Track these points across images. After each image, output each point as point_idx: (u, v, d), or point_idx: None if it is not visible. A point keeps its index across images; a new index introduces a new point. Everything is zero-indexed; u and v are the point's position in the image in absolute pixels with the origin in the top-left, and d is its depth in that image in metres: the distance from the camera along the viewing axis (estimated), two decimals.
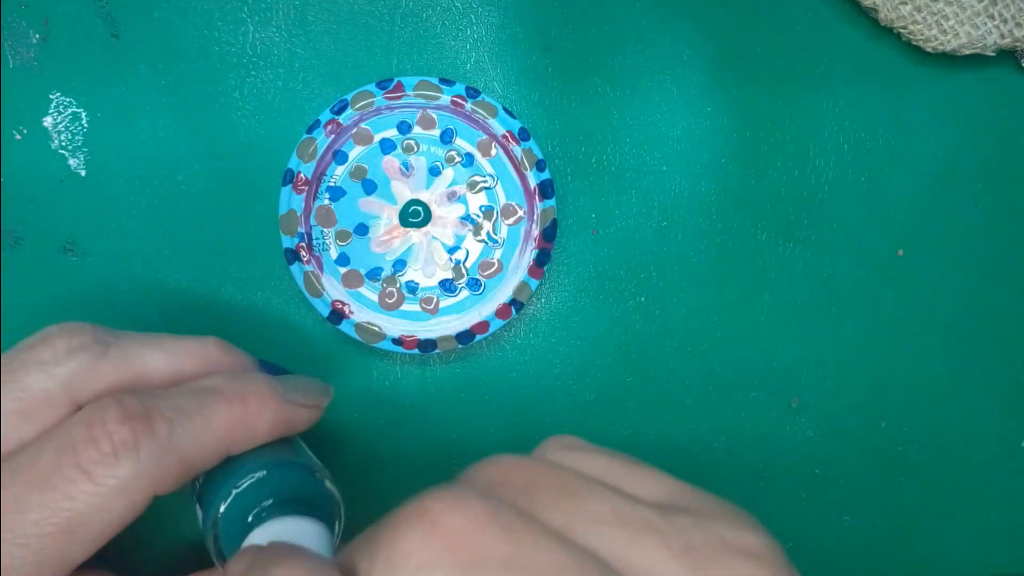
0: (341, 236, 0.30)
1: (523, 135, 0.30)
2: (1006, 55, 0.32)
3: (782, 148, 0.32)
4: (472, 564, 0.15)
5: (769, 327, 0.32)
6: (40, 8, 0.30)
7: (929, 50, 0.31)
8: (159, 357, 0.24)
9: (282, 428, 0.24)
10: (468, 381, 0.31)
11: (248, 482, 0.22)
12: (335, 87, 0.30)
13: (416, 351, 0.30)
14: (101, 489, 0.20)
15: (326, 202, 0.30)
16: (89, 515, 0.20)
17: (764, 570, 0.17)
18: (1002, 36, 0.31)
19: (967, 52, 0.31)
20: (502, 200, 0.30)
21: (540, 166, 0.30)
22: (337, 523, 0.23)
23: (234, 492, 0.22)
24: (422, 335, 0.30)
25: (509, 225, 0.30)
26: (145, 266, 0.30)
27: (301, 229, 0.30)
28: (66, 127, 0.30)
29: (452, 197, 0.30)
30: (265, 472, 0.22)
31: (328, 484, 0.23)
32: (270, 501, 0.22)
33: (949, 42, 0.31)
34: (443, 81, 0.30)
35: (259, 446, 0.24)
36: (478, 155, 0.30)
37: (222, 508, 0.22)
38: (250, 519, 0.21)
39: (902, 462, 0.33)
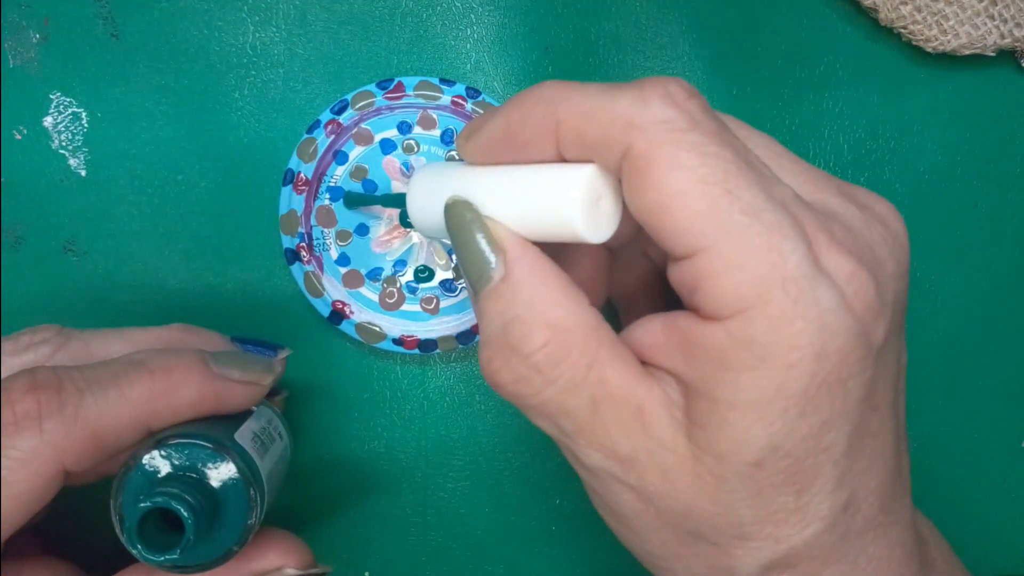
0: (341, 236, 0.30)
1: None
2: (1006, 55, 0.32)
3: None
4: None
5: None
6: (40, 8, 0.29)
7: (929, 50, 0.31)
8: (120, 346, 0.23)
9: (211, 403, 0.22)
10: (468, 381, 0.31)
11: (144, 458, 0.21)
12: (335, 87, 0.30)
13: (416, 351, 0.30)
14: (3, 462, 0.20)
15: (326, 202, 0.30)
16: None
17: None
18: (1002, 36, 0.31)
19: (967, 52, 0.31)
20: None
21: None
22: (250, 510, 0.21)
23: (128, 471, 0.21)
24: (422, 335, 0.30)
25: None
26: (145, 266, 0.30)
27: (301, 229, 0.30)
28: (66, 127, 0.30)
29: None
30: (160, 451, 0.21)
31: (233, 469, 0.21)
32: (160, 486, 0.20)
33: (949, 42, 0.31)
34: (443, 81, 0.30)
35: (193, 423, 0.22)
36: None
37: (121, 485, 0.21)
38: (141, 500, 0.20)
39: None
